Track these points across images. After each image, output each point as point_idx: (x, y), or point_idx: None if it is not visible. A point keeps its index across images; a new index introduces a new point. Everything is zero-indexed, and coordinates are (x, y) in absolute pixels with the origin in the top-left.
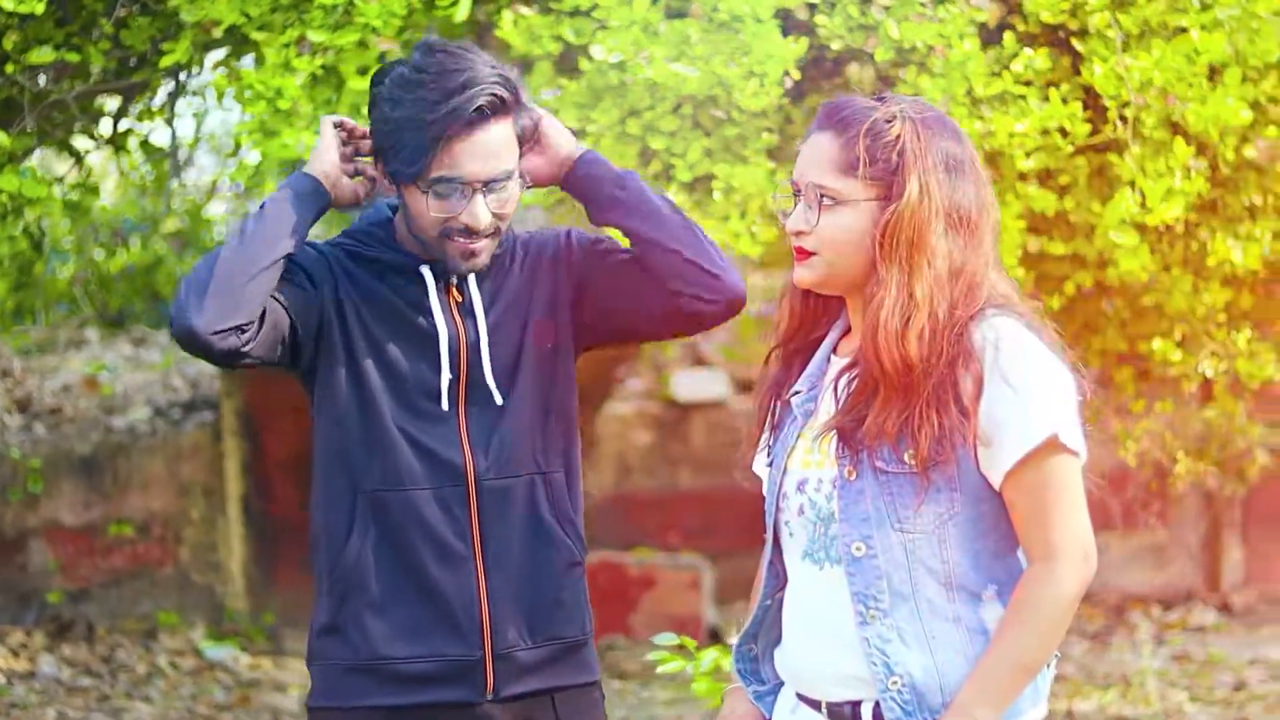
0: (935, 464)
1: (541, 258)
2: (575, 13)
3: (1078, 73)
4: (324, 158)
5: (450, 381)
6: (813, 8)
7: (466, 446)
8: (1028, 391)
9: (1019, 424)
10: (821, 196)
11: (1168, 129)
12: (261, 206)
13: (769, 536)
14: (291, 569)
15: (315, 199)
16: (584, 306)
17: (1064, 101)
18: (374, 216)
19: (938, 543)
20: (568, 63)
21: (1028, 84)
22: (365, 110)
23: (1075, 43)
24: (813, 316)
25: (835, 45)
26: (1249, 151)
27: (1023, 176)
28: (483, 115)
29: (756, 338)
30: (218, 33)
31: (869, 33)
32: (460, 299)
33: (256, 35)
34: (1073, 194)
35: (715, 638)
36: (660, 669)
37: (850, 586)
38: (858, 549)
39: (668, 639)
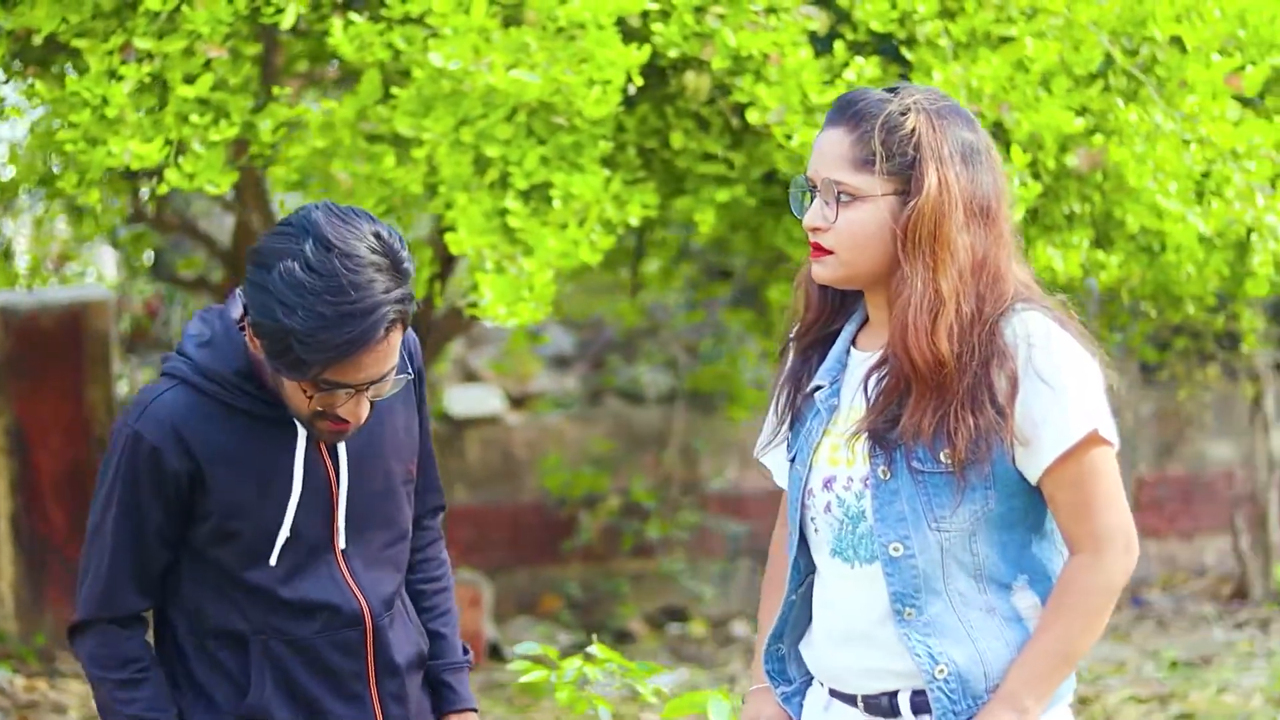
0: (972, 463)
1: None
2: (406, 20)
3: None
4: None
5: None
6: (646, 15)
7: (355, 588)
8: (1064, 388)
9: (1058, 421)
10: (839, 193)
11: (997, 137)
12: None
13: (794, 532)
14: (62, 589)
15: None
16: None
17: None
18: (227, 358)
19: (968, 538)
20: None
21: None
22: (197, 143)
23: (904, 51)
24: (830, 309)
25: (671, 53)
26: (1069, 160)
27: None
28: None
29: (527, 351)
30: (37, 40)
31: (705, 41)
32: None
33: (78, 43)
34: None
35: (496, 653)
36: (523, 679)
37: (889, 586)
38: (895, 549)
39: (529, 648)
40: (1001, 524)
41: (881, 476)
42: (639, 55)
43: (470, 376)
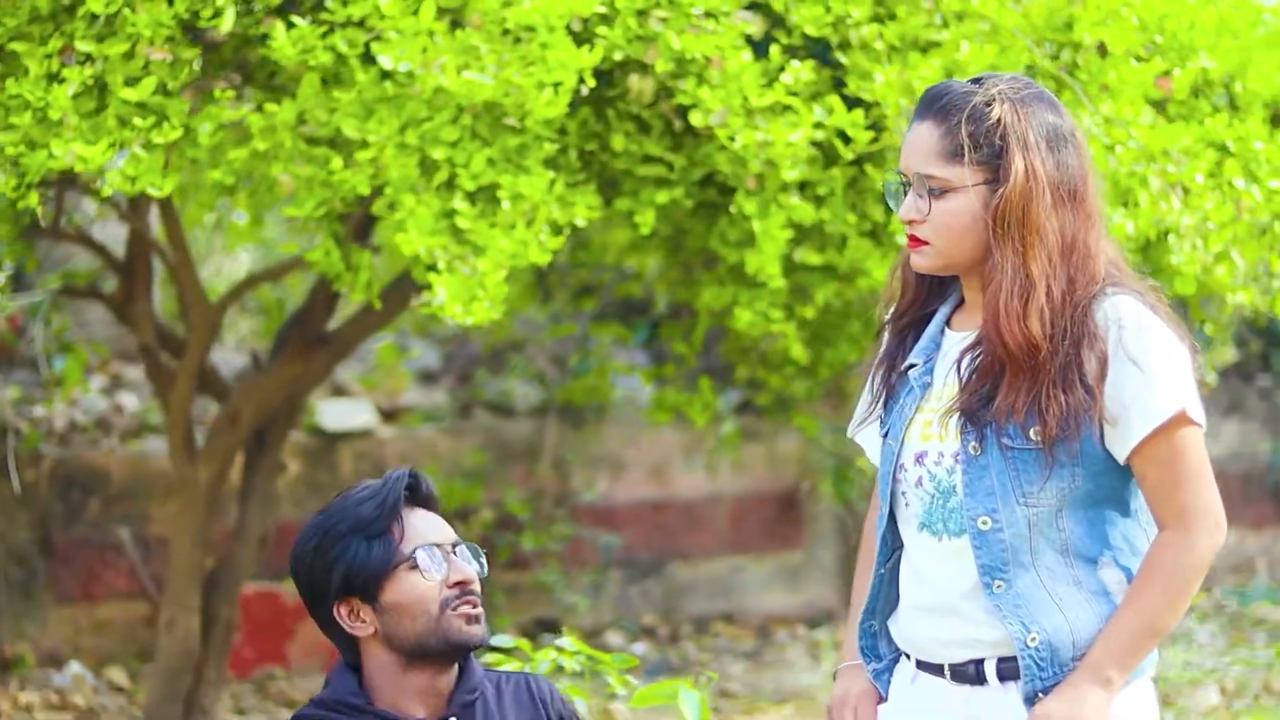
0: (1061, 441)
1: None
2: (347, 23)
3: (839, 85)
4: None
5: None
6: (587, 20)
7: None
8: (1153, 369)
9: (1147, 401)
10: (931, 186)
11: None
12: None
13: (884, 507)
14: None
15: None
16: None
17: (848, 108)
18: (341, 689)
19: (1056, 515)
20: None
21: (794, 95)
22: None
23: (839, 55)
24: (926, 291)
25: (616, 56)
26: None
27: (785, 188)
28: (414, 496)
29: (396, 366)
30: None
31: (648, 44)
32: None
33: (15, 46)
34: (829, 205)
35: None
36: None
37: (976, 559)
38: (984, 523)
39: (505, 641)
40: (1088, 501)
41: (972, 452)
42: (591, 57)
43: (338, 391)
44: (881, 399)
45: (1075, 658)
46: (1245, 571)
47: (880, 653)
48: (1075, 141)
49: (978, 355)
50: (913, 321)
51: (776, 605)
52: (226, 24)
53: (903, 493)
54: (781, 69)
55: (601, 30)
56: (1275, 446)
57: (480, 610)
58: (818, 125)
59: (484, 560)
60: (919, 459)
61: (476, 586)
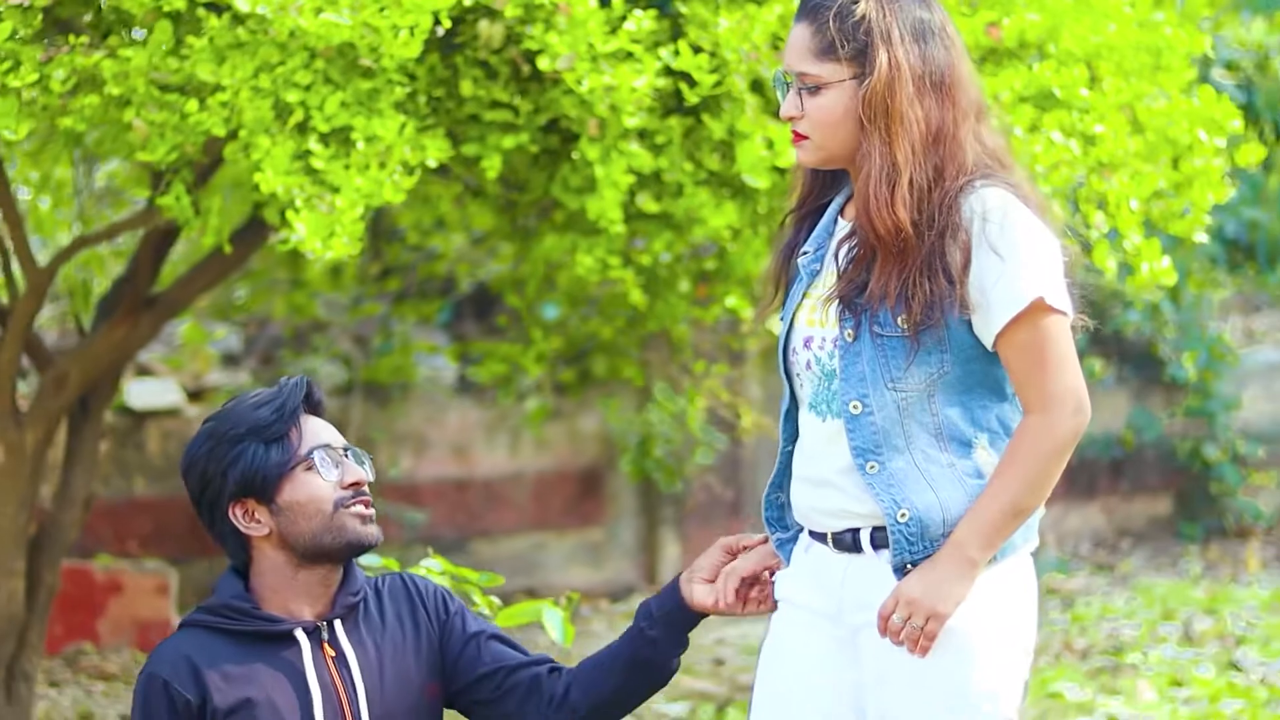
0: (925, 327)
1: (416, 610)
2: None
3: (677, 35)
4: None
5: None
6: None
7: None
8: (1014, 258)
9: (1007, 289)
10: (806, 83)
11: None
12: None
13: (785, 388)
14: None
15: None
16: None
17: (695, 52)
18: (225, 592)
19: (928, 399)
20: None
21: (636, 43)
22: None
23: (678, 4)
24: (821, 184)
25: (466, 1)
26: None
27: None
28: (307, 402)
29: (202, 346)
30: None
31: None
32: (334, 653)
33: None
34: (667, 153)
35: None
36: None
37: (850, 441)
38: (855, 407)
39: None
40: (961, 387)
41: (847, 339)
42: (447, 0)
43: (143, 371)
44: (780, 287)
45: (945, 534)
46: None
47: (786, 524)
48: (945, 36)
49: (854, 244)
50: (809, 213)
51: (579, 581)
52: None
53: (796, 374)
54: (623, 17)
55: None
56: None
57: (372, 511)
58: (664, 70)
59: (370, 465)
60: (806, 343)
61: (367, 489)
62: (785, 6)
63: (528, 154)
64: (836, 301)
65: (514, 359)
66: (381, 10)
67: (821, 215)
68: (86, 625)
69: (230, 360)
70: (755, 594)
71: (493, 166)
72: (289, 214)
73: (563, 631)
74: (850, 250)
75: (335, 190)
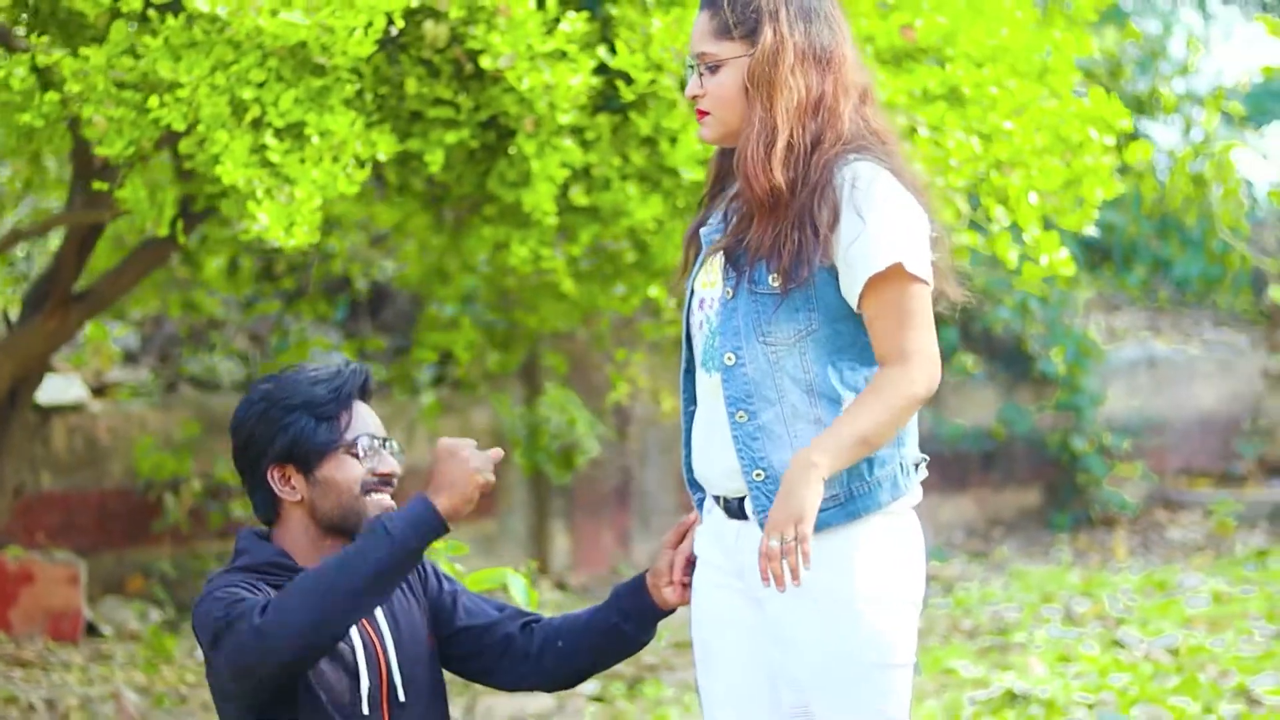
0: (794, 282)
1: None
2: None
3: (604, 36)
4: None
5: (370, 688)
6: None
7: None
8: (877, 224)
9: (868, 252)
10: (705, 63)
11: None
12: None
13: (684, 352)
14: None
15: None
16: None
17: (633, 50)
18: (264, 553)
19: (799, 355)
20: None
21: (571, 44)
22: None
23: (609, 7)
24: (728, 169)
25: (413, 3)
26: None
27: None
28: (365, 393)
29: (104, 343)
30: None
31: None
32: None
33: None
34: (596, 149)
35: (93, 630)
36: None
37: (724, 391)
38: (729, 359)
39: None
40: (830, 346)
41: (726, 296)
42: (401, 0)
43: (46, 368)
44: (689, 262)
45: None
46: None
47: (699, 484)
48: (831, 19)
49: (738, 204)
50: (716, 195)
51: (474, 569)
52: None
53: (693, 336)
54: (557, 19)
55: None
56: (933, 418)
57: (394, 503)
58: (599, 68)
59: (402, 458)
60: (701, 305)
61: (395, 480)
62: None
63: (463, 150)
64: (720, 255)
65: (445, 346)
66: (333, 11)
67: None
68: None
69: (128, 358)
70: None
71: (435, 161)
72: (250, 205)
73: (526, 596)
74: (736, 208)
75: (292, 182)
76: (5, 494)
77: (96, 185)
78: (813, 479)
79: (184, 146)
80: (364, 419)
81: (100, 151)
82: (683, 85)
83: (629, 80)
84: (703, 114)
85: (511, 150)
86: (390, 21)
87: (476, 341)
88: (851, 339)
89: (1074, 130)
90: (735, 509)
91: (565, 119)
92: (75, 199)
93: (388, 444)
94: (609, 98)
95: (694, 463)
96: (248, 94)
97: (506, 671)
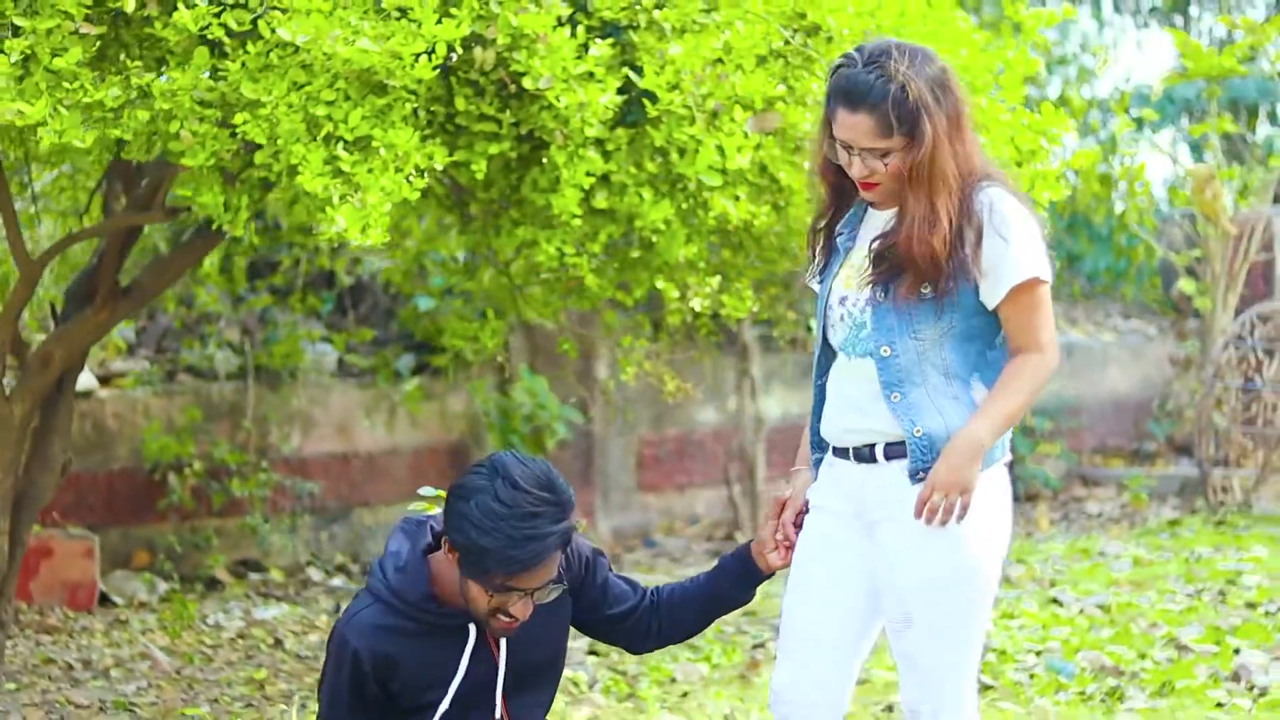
0: (945, 293)
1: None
2: (235, 5)
3: (625, 60)
4: None
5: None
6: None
7: None
8: (1016, 242)
9: (1011, 265)
10: (876, 154)
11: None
12: None
13: (819, 334)
14: None
15: None
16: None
17: (657, 72)
18: (417, 587)
19: (939, 347)
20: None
21: (600, 66)
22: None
23: (631, 35)
24: (837, 200)
25: (466, 31)
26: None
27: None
28: (554, 551)
29: (112, 335)
30: None
31: (489, 21)
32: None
33: None
34: (615, 159)
35: (105, 600)
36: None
37: (880, 377)
38: (885, 350)
39: (428, 491)
40: (964, 337)
41: (879, 299)
42: (460, 30)
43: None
44: (820, 259)
45: (929, 442)
46: None
47: (823, 445)
48: (951, 78)
49: (889, 248)
50: (839, 212)
51: None
52: (130, 4)
53: (831, 325)
54: (585, 45)
55: (453, 10)
56: None
57: (512, 627)
58: (624, 88)
59: (556, 594)
60: (841, 301)
61: (522, 620)
62: (716, 37)
63: (501, 159)
64: (866, 260)
65: (472, 334)
66: (402, 40)
67: (840, 216)
68: (20, 586)
69: (129, 349)
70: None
71: (480, 169)
72: (329, 210)
73: None
74: (885, 252)
75: (363, 190)
76: (54, 471)
77: (181, 192)
78: (978, 458)
79: (259, 158)
80: (529, 578)
81: (186, 162)
82: (699, 110)
83: (654, 99)
84: (871, 186)
85: (544, 159)
86: (450, 48)
87: (499, 328)
88: (980, 330)
89: (1027, 140)
90: (867, 454)
91: (591, 132)
92: (111, 204)
93: (537, 593)
94: (626, 113)
95: (825, 422)
96: (320, 111)
97: (631, 641)
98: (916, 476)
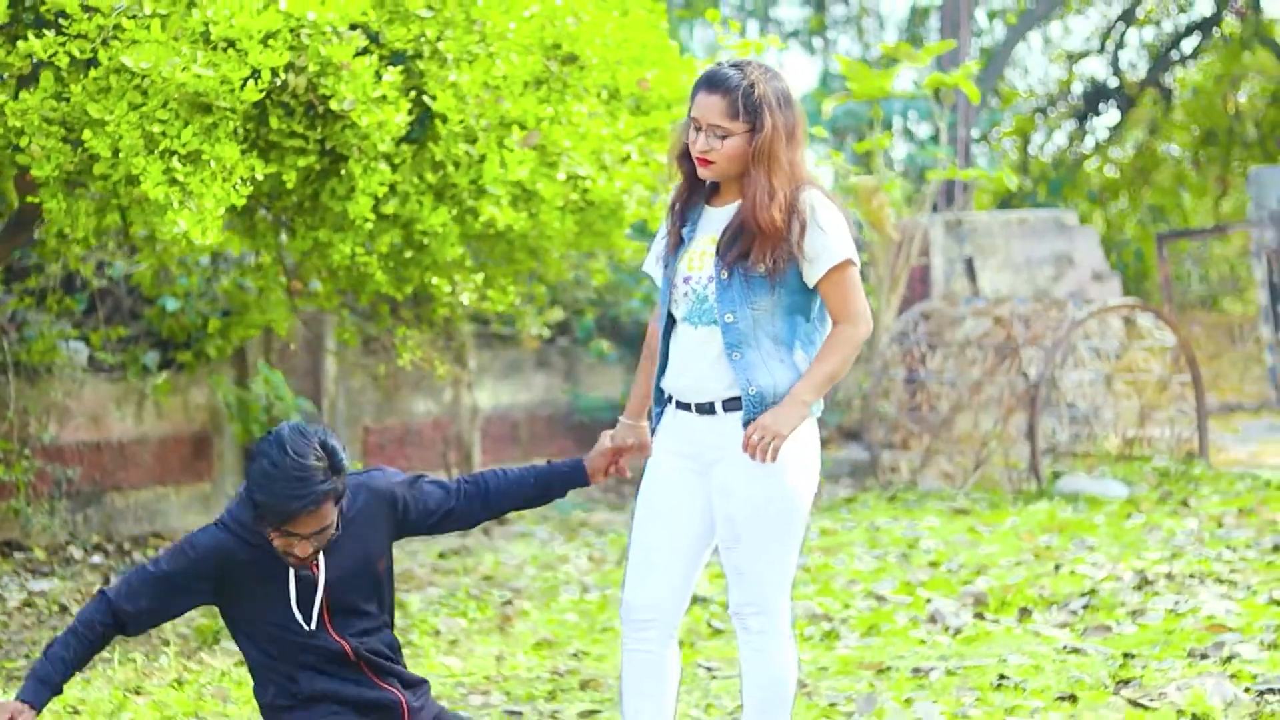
0: (777, 273)
1: (378, 509)
2: (78, 35)
3: (408, 87)
4: None
5: (318, 610)
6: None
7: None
8: (832, 232)
9: (829, 251)
10: (717, 132)
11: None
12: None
13: (663, 309)
14: None
15: None
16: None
17: (457, 97)
18: (245, 518)
19: (770, 317)
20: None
21: (393, 90)
22: None
23: (418, 63)
24: (690, 186)
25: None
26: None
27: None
28: (317, 505)
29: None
30: None
31: (300, 51)
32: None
33: None
34: (401, 170)
35: None
36: None
37: (724, 339)
38: (729, 318)
39: None
40: (789, 311)
41: (723, 277)
42: (281, 58)
43: None
44: (672, 242)
45: (774, 401)
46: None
47: (663, 399)
48: (793, 99)
49: (738, 230)
50: (687, 203)
51: (194, 525)
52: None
53: (675, 301)
54: (378, 73)
55: (271, 41)
56: (572, 393)
57: (299, 561)
58: (414, 110)
59: (329, 534)
60: (685, 280)
61: (304, 557)
62: (490, 66)
63: (303, 171)
64: (711, 247)
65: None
66: (232, 68)
67: (688, 202)
68: None
69: None
70: (621, 463)
71: (290, 179)
72: (170, 213)
73: None
74: (735, 233)
75: (198, 196)
76: None
77: (31, 199)
78: (799, 414)
79: (99, 169)
80: (300, 524)
81: (34, 173)
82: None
83: (444, 119)
84: (707, 163)
85: (342, 171)
86: (275, 73)
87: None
88: (800, 305)
89: None
90: (708, 408)
91: (383, 147)
92: None
93: (315, 537)
94: (411, 130)
95: (672, 382)
96: (156, 129)
97: (462, 527)
98: (747, 425)
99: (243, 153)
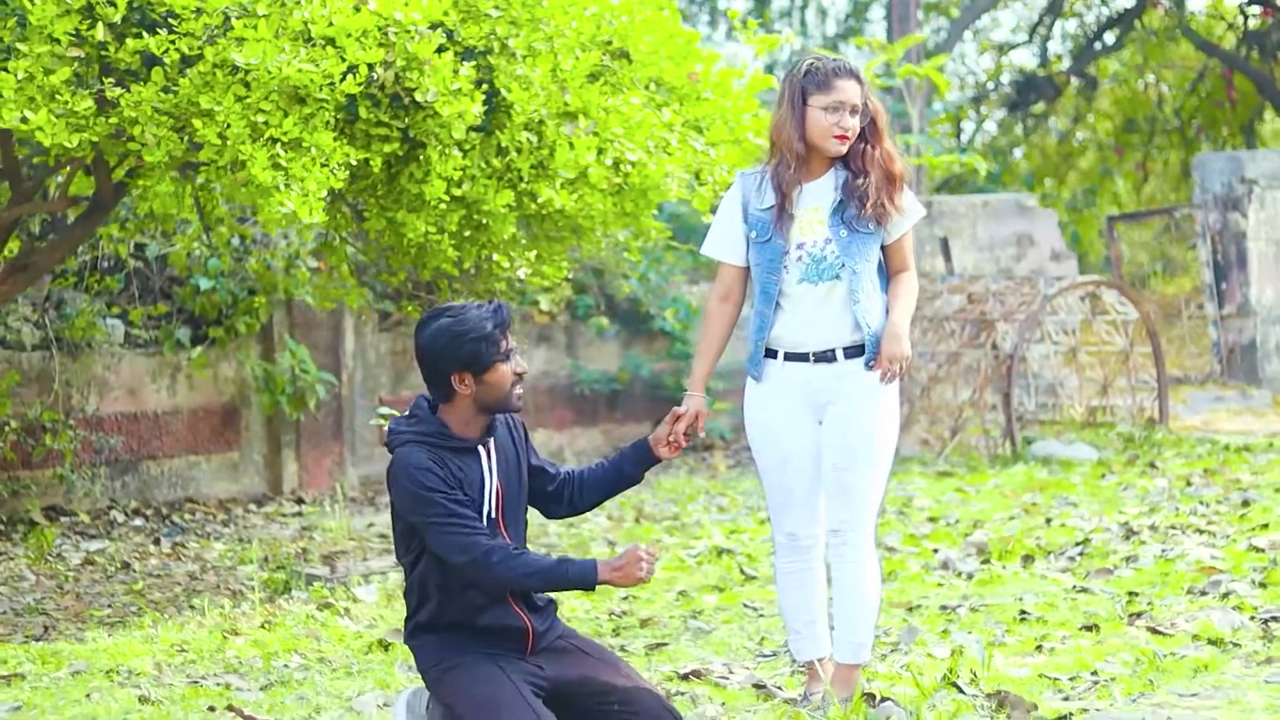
0: (878, 228)
1: (515, 429)
2: (187, 34)
3: (479, 80)
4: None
5: (492, 509)
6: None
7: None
8: (910, 197)
9: (915, 207)
10: (858, 112)
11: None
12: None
13: (771, 275)
14: None
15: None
16: None
17: (523, 89)
18: (431, 424)
19: (872, 266)
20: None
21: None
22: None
23: (491, 59)
24: (797, 166)
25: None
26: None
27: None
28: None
29: None
30: None
31: (389, 48)
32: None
33: None
34: (470, 156)
35: None
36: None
37: (848, 287)
38: (852, 270)
39: (385, 410)
40: (876, 262)
41: (841, 236)
42: (379, 54)
43: None
44: (775, 217)
45: (876, 339)
46: (557, 458)
47: (758, 360)
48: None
49: (857, 192)
50: (787, 179)
51: (224, 492)
52: (100, 34)
53: (787, 266)
54: (455, 69)
55: (363, 39)
56: (573, 366)
57: (521, 379)
58: (488, 100)
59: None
60: (799, 246)
61: (525, 371)
62: (552, 61)
63: (399, 153)
64: (820, 212)
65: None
66: (332, 63)
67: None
68: None
69: None
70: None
71: (377, 165)
72: (278, 195)
73: None
74: (858, 195)
75: (301, 180)
76: None
77: (142, 183)
78: (907, 336)
79: (204, 155)
80: (509, 339)
81: (147, 157)
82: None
83: (513, 110)
84: (846, 139)
85: (420, 157)
86: (371, 68)
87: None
88: (876, 256)
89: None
90: (828, 356)
91: (458, 135)
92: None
93: (518, 351)
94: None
95: (790, 336)
96: (260, 119)
97: (549, 507)
98: (869, 364)
99: (334, 140)
